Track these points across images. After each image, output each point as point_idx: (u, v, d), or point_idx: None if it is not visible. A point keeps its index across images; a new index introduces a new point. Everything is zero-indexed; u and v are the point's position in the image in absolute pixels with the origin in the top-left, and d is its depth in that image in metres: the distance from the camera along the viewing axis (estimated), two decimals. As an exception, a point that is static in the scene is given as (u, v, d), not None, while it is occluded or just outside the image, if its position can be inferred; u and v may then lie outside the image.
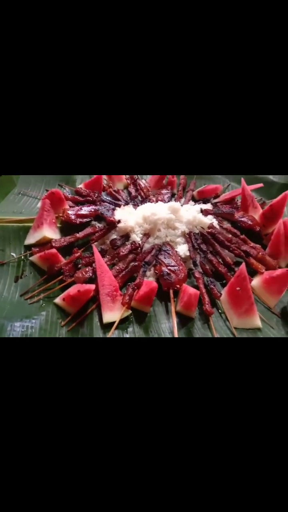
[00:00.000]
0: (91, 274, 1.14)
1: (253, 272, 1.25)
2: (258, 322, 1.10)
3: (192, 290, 1.08)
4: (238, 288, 1.10)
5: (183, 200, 1.57)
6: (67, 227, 1.33)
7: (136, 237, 1.28)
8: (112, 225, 1.28)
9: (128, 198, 1.54)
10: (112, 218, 1.27)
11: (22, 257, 1.24)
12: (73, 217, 1.31)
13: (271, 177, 1.72)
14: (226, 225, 1.40)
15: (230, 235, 1.35)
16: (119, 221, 1.29)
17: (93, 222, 1.35)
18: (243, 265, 1.13)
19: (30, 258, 1.22)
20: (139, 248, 1.25)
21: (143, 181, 1.61)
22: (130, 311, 1.09)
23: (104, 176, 1.58)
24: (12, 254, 1.25)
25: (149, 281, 1.13)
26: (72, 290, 1.07)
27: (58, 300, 1.10)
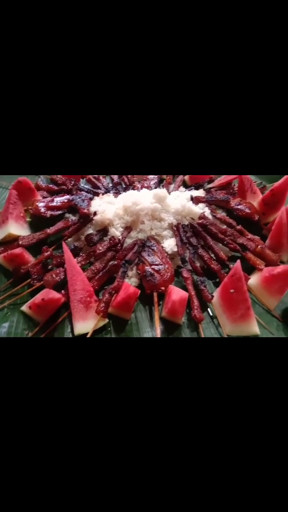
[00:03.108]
0: (62, 277, 0.98)
1: (251, 268, 1.09)
2: (255, 329, 0.95)
3: (176, 296, 0.92)
4: (232, 290, 0.95)
5: (172, 186, 1.38)
6: (37, 221, 1.16)
7: (116, 232, 1.11)
8: (86, 218, 1.11)
9: (110, 185, 1.36)
10: (85, 210, 1.10)
11: (-13, 257, 1.08)
12: (42, 209, 1.14)
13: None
14: (220, 214, 1.23)
15: (224, 226, 1.18)
16: (95, 213, 1.12)
17: (67, 215, 1.18)
18: (237, 263, 0.97)
19: (-5, 259, 1.07)
20: (119, 245, 1.09)
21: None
22: (106, 320, 0.94)
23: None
24: (-25, 254, 1.09)
25: (129, 284, 0.97)
26: (38, 297, 0.92)
27: (24, 307, 0.95)
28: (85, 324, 0.91)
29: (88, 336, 0.89)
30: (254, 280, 1.06)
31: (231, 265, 1.08)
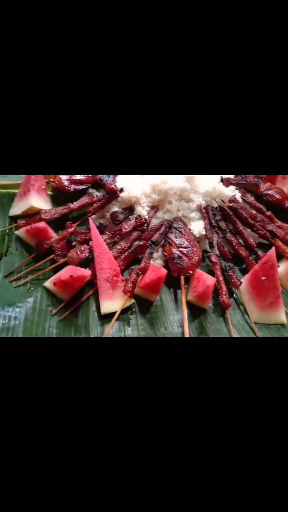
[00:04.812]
0: (87, 254, 0.95)
1: (278, 257, 1.06)
2: (282, 317, 0.94)
3: (210, 281, 0.90)
4: (263, 278, 0.92)
5: (198, 166, 1.32)
6: (59, 195, 1.11)
7: (142, 210, 1.06)
8: (113, 194, 1.06)
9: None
10: (113, 186, 1.05)
11: (7, 230, 1.05)
12: (66, 183, 1.08)
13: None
14: (250, 198, 1.18)
15: (254, 211, 1.14)
16: (121, 190, 1.07)
17: (91, 190, 1.13)
18: (272, 251, 0.94)
19: (16, 232, 1.03)
20: (145, 224, 1.05)
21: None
22: (133, 300, 0.93)
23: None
24: (-5, 226, 1.05)
25: (157, 266, 0.94)
26: (64, 274, 0.89)
27: (48, 283, 0.93)
28: (111, 303, 0.89)
29: (116, 315, 0.87)
30: (282, 268, 1.03)
31: (259, 252, 1.05)
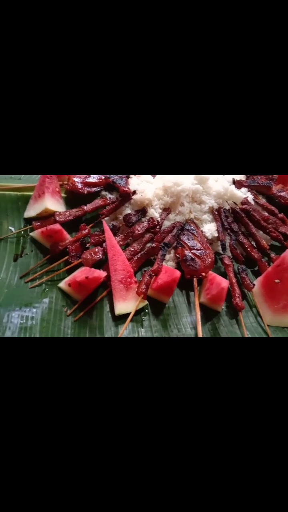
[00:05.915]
0: (101, 256, 0.97)
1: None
2: (296, 320, 0.93)
3: (224, 283, 0.90)
4: (277, 280, 0.92)
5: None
6: (73, 197, 1.13)
7: (155, 213, 1.07)
8: (126, 197, 1.07)
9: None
10: (126, 188, 1.06)
11: (22, 232, 1.07)
12: (79, 185, 1.10)
13: None
14: (262, 200, 1.17)
15: (266, 213, 1.13)
16: (134, 192, 1.08)
17: (104, 193, 1.14)
18: (286, 253, 0.93)
19: (31, 234, 1.05)
20: (158, 226, 1.06)
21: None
22: (146, 302, 0.93)
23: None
24: (10, 228, 1.07)
25: (170, 268, 0.95)
26: (79, 275, 0.91)
27: (63, 284, 0.94)
28: (125, 304, 0.90)
29: (130, 317, 0.88)
30: (294, 271, 1.03)
31: (272, 254, 1.05)
